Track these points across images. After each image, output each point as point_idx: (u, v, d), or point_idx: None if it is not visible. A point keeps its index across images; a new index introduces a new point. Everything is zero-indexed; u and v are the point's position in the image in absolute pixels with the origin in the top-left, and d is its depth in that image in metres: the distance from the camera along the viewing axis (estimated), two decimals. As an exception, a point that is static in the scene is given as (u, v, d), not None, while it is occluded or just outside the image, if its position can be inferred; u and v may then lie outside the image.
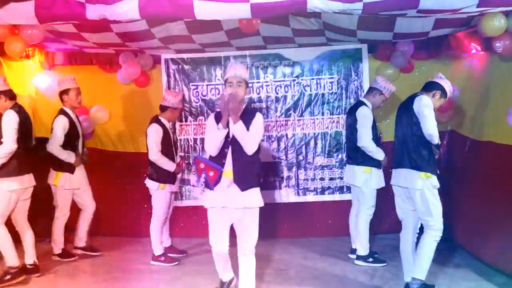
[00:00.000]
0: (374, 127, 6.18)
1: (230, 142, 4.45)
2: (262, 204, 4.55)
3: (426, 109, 4.88)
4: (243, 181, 4.48)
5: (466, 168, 6.25)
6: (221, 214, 4.55)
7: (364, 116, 6.13)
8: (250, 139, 4.40)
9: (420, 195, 4.91)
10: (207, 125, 4.62)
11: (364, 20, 5.85)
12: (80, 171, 6.59)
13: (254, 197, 4.53)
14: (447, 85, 5.10)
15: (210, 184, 4.49)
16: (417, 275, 4.95)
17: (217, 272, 4.86)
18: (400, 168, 5.09)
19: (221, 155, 4.48)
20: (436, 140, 4.90)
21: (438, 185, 4.95)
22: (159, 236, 6.44)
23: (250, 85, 7.18)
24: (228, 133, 4.43)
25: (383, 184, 6.23)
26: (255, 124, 4.46)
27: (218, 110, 4.68)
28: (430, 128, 4.84)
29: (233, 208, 4.50)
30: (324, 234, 7.45)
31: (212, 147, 4.46)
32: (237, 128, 4.37)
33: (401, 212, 5.28)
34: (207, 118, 4.61)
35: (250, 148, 4.41)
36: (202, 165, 4.49)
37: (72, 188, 6.52)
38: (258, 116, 4.53)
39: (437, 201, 4.92)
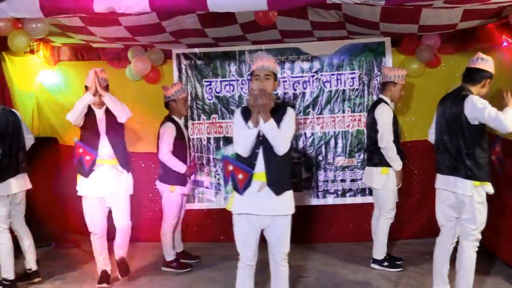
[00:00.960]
0: (395, 123, 6.13)
1: (262, 141, 4.24)
2: (294, 210, 4.39)
3: (486, 112, 4.58)
4: (277, 184, 4.29)
5: (497, 169, 6.19)
6: (250, 222, 4.36)
7: (383, 115, 6.07)
8: (282, 139, 4.19)
9: (469, 202, 4.74)
10: (234, 122, 4.44)
11: (387, 11, 5.82)
12: (103, 177, 5.74)
13: (288, 203, 4.35)
14: (492, 66, 4.87)
15: (239, 188, 4.32)
16: None
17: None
18: (451, 175, 4.88)
19: (252, 156, 4.28)
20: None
21: (492, 191, 4.79)
22: (170, 241, 6.45)
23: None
24: (259, 131, 4.22)
25: (400, 184, 6.20)
26: (286, 121, 4.26)
27: (233, 106, 4.51)
28: (507, 122, 4.53)
29: (263, 215, 4.33)
30: (345, 239, 7.43)
31: (244, 148, 4.26)
32: (268, 127, 4.14)
33: (443, 219, 5.07)
34: (234, 114, 4.46)
35: (281, 149, 4.20)
36: (230, 167, 4.33)
37: (84, 194, 5.79)
38: (290, 112, 4.33)
39: (484, 210, 4.78)
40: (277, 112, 4.26)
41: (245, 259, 4.44)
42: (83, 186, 5.78)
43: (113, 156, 5.80)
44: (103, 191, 5.76)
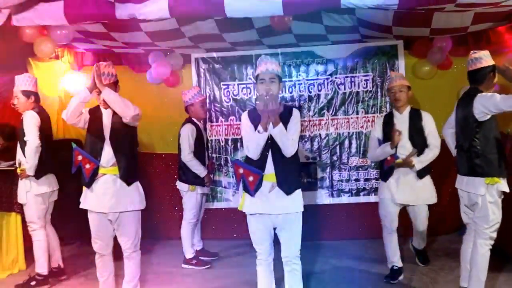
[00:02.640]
0: (420, 131, 5.84)
1: (271, 144, 4.26)
2: (303, 208, 4.39)
3: (497, 96, 4.51)
4: (287, 184, 4.30)
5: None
6: (263, 221, 4.40)
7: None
8: (290, 141, 4.19)
9: (482, 201, 4.71)
10: (242, 126, 4.45)
11: (400, 15, 5.83)
12: (105, 189, 4.87)
13: (297, 201, 4.37)
14: (489, 58, 4.80)
15: (250, 190, 4.34)
16: None
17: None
18: (465, 175, 4.88)
19: (261, 158, 4.30)
20: None
21: (507, 190, 4.73)
22: (190, 239, 6.51)
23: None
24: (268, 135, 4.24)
25: (398, 199, 5.78)
26: (292, 123, 4.29)
27: (250, 108, 4.49)
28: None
29: (275, 214, 4.35)
30: (359, 236, 7.43)
31: (254, 151, 4.27)
32: (278, 131, 4.15)
33: (466, 218, 5.06)
34: (242, 118, 4.47)
35: (290, 150, 4.22)
36: (241, 170, 4.36)
37: (85, 207, 4.97)
38: (295, 114, 4.35)
39: (497, 210, 4.72)
40: (283, 114, 4.27)
41: (262, 256, 4.50)
42: (85, 197, 4.96)
43: (116, 164, 4.89)
44: (103, 206, 4.87)
